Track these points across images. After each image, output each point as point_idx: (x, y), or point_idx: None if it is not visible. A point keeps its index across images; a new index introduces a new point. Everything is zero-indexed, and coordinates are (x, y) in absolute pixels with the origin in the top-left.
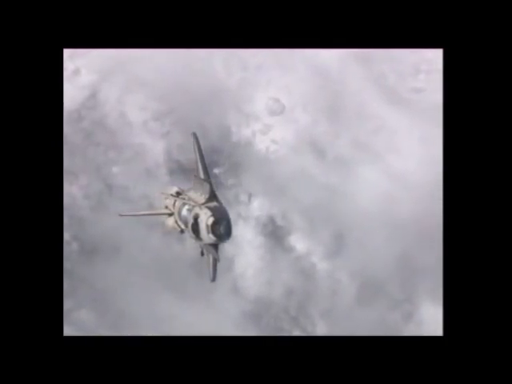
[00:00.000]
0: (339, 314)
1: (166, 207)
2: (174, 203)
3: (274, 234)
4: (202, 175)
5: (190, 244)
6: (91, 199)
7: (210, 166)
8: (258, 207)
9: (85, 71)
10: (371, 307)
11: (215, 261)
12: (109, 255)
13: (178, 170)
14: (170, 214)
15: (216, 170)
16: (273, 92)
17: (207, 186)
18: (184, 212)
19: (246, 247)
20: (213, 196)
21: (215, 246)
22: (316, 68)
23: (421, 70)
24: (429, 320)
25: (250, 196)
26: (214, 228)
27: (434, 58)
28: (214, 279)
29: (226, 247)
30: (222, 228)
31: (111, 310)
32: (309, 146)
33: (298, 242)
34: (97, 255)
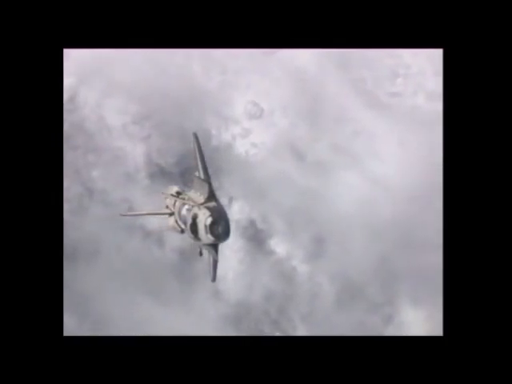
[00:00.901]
0: (319, 317)
1: (167, 207)
2: (175, 203)
3: (255, 237)
4: (202, 175)
5: (170, 248)
6: (71, 203)
7: (190, 169)
8: (239, 210)
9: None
10: (351, 310)
11: (215, 261)
12: (88, 259)
13: (158, 173)
14: (171, 214)
15: (196, 173)
16: (252, 96)
17: (206, 186)
18: (184, 212)
19: (227, 250)
20: (212, 196)
21: (215, 247)
22: (295, 72)
23: (399, 74)
24: (409, 322)
25: (230, 199)
26: (212, 228)
27: (411, 62)
28: (214, 279)
29: (206, 251)
30: (220, 228)
31: (91, 314)
32: (288, 150)
33: (279, 246)
34: (76, 259)
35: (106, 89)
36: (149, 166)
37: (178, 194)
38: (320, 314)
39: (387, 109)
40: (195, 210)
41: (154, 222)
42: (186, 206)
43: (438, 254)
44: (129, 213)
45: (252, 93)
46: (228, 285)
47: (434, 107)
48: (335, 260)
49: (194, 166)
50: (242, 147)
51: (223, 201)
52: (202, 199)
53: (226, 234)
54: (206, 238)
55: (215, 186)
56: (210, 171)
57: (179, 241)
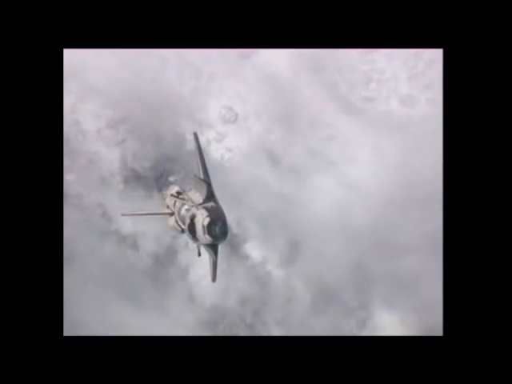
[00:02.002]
0: (294, 321)
1: (168, 207)
2: (175, 203)
3: (230, 241)
4: (201, 175)
5: (145, 252)
6: None
7: (165, 173)
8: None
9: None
10: (326, 314)
11: (214, 261)
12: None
13: (133, 177)
14: (171, 214)
15: (171, 178)
16: (226, 100)
17: (204, 187)
18: (183, 212)
19: (202, 255)
20: (210, 196)
21: (214, 247)
22: (269, 77)
23: (372, 80)
24: (383, 327)
25: None
26: (209, 229)
27: (384, 67)
28: (214, 279)
29: (181, 256)
30: (218, 229)
31: (65, 319)
32: (263, 154)
33: (253, 250)
34: None
35: (81, 93)
36: (124, 171)
37: (179, 193)
38: (295, 318)
39: (361, 113)
40: (193, 210)
41: (129, 226)
42: (186, 206)
43: (412, 258)
44: (130, 212)
45: (226, 97)
46: (203, 289)
47: (407, 112)
48: (310, 265)
49: (169, 169)
50: (216, 152)
51: None
52: (201, 199)
53: (223, 235)
54: (204, 238)
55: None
56: (184, 175)
57: (154, 245)
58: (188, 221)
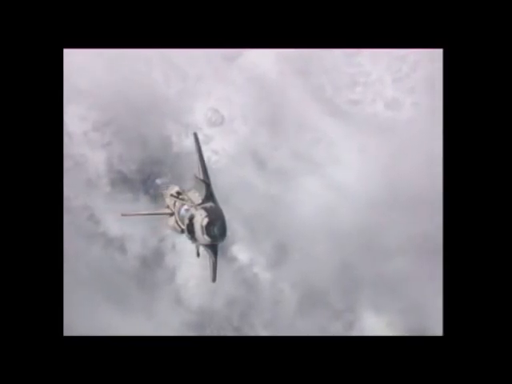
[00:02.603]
0: (281, 323)
1: (168, 207)
2: (175, 203)
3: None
4: (201, 175)
5: (132, 255)
6: None
7: (152, 176)
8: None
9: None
10: (313, 316)
11: (214, 262)
12: None
13: (120, 180)
14: (172, 214)
15: (159, 181)
16: (212, 103)
17: (203, 187)
18: (182, 212)
19: (188, 257)
20: (209, 196)
21: (213, 247)
22: (255, 79)
23: (358, 83)
24: (370, 329)
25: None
26: (208, 229)
27: (370, 69)
28: (214, 280)
29: (168, 258)
30: (216, 229)
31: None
32: (249, 157)
33: (241, 252)
34: None
35: (67, 95)
36: (110, 173)
37: (179, 193)
38: (282, 321)
39: (347, 116)
40: (192, 210)
41: (116, 229)
42: (185, 207)
43: (399, 260)
44: (130, 213)
45: (213, 100)
46: (190, 291)
47: (393, 115)
48: (297, 267)
49: (156, 172)
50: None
51: None
52: (200, 200)
53: (222, 235)
54: (203, 238)
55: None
56: (171, 178)
57: (141, 248)
58: (187, 221)
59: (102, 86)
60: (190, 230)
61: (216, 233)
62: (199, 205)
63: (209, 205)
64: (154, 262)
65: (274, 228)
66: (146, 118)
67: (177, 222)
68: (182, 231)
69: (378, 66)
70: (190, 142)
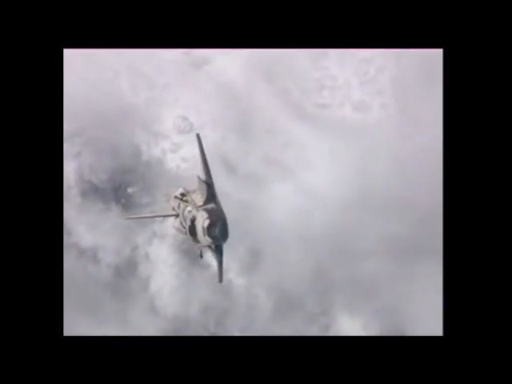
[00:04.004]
0: (257, 329)
1: (173, 209)
2: (179, 205)
3: (190, 251)
4: (204, 177)
5: (105, 264)
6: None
7: (123, 185)
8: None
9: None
10: (288, 321)
11: (220, 262)
12: None
13: (90, 190)
14: (176, 216)
15: (130, 190)
16: (181, 110)
17: (205, 188)
18: (186, 213)
19: (162, 266)
20: (211, 197)
21: (218, 248)
22: (223, 85)
23: (325, 87)
24: (346, 331)
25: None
26: (209, 230)
27: (337, 74)
28: (220, 280)
29: (141, 267)
30: (217, 230)
31: None
32: (220, 163)
33: (214, 259)
34: None
35: None
36: (81, 183)
37: (183, 195)
38: (258, 326)
39: (316, 120)
40: (194, 212)
41: (88, 239)
42: (188, 208)
43: (371, 263)
44: (134, 216)
45: (181, 107)
46: (164, 300)
47: (361, 117)
48: (271, 272)
49: (127, 181)
50: (172, 162)
51: None
52: (201, 201)
53: (223, 236)
54: (204, 239)
55: (148, 201)
56: (142, 186)
57: (114, 257)
58: (189, 223)
59: (69, 96)
60: (192, 232)
61: (217, 234)
62: (200, 206)
63: (210, 206)
64: (127, 271)
65: (247, 233)
66: (115, 127)
67: (181, 223)
68: (186, 233)
69: (345, 70)
70: (159, 151)
